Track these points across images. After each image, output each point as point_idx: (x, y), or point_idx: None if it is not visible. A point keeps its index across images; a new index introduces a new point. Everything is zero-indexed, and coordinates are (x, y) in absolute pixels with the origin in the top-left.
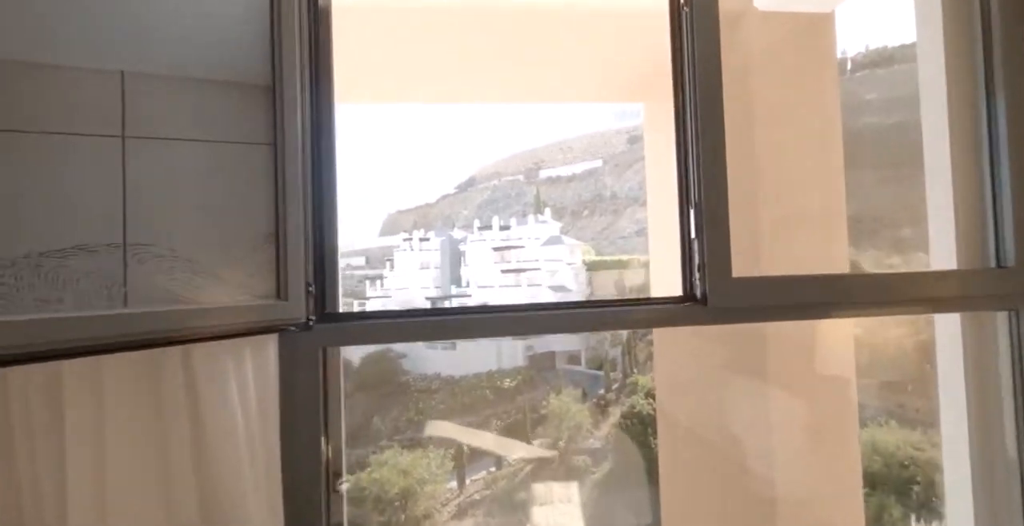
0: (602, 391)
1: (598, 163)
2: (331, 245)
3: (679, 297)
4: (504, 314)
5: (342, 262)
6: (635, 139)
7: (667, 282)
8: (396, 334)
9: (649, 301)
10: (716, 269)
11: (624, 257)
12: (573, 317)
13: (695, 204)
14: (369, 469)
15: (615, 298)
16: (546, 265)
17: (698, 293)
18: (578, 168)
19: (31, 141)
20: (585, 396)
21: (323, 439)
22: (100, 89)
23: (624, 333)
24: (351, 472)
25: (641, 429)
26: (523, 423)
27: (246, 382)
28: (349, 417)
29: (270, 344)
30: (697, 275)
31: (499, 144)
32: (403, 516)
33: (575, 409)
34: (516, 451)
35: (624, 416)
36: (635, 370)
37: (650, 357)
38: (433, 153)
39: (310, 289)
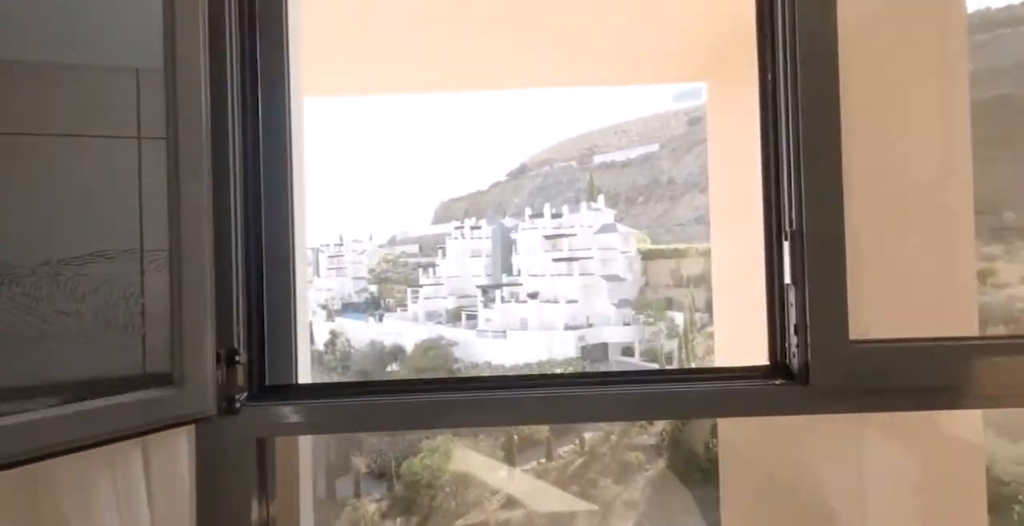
0: None
1: (655, 147)
2: (281, 286)
3: (765, 368)
4: (520, 393)
5: (396, 250)
6: (695, 121)
7: (730, 274)
8: (363, 419)
9: (721, 373)
10: (824, 330)
11: (682, 246)
12: (606, 400)
13: (790, 233)
14: (421, 455)
15: (673, 369)
16: (599, 253)
17: (794, 365)
18: (633, 153)
19: (47, 143)
20: None
21: None
22: (115, 88)
23: (681, 323)
24: (403, 456)
25: (698, 427)
26: None
27: (135, 495)
28: None
29: (177, 439)
30: (793, 339)
31: (551, 130)
32: (454, 503)
33: None
34: (549, 501)
35: None
36: (693, 364)
37: (710, 351)
38: (485, 140)
39: (236, 360)
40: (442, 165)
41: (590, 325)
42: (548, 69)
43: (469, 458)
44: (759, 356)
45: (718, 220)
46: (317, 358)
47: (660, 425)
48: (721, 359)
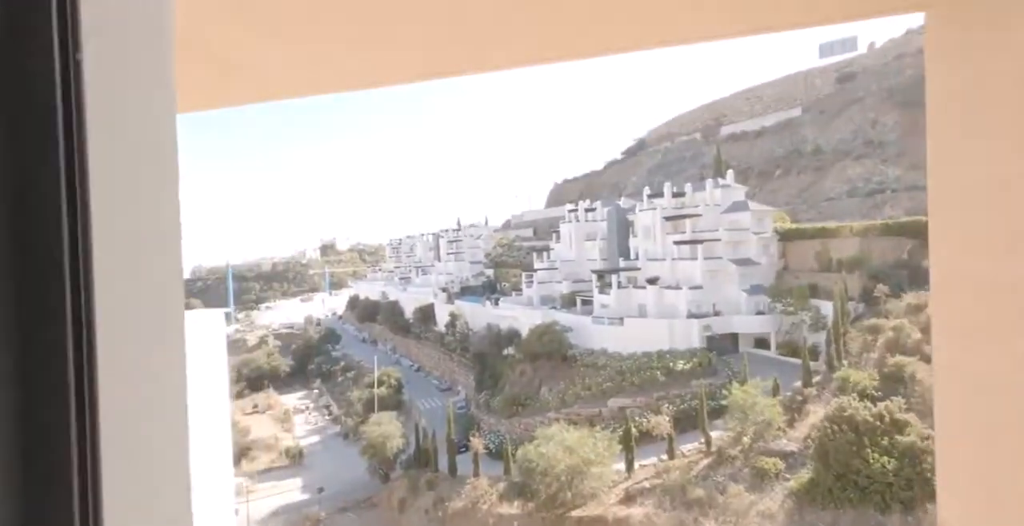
0: (798, 384)
1: (795, 112)
2: None
3: None
4: None
5: (511, 234)
6: (847, 77)
7: (959, 259)
8: None
9: None
10: None
11: (831, 224)
12: None
13: None
14: (536, 442)
15: None
16: (728, 235)
17: None
18: (768, 120)
19: None
20: (777, 388)
21: None
22: None
23: (829, 314)
24: (519, 443)
25: (854, 438)
26: (699, 411)
27: None
28: (517, 384)
29: None
30: None
31: (671, 100)
32: (569, 494)
33: (763, 403)
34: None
35: (830, 419)
36: (845, 362)
37: (867, 347)
38: (598, 117)
39: None
40: (556, 145)
41: (717, 313)
42: (666, 24)
43: (584, 449)
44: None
45: (942, 190)
46: (439, 339)
47: (803, 430)
48: (942, 362)
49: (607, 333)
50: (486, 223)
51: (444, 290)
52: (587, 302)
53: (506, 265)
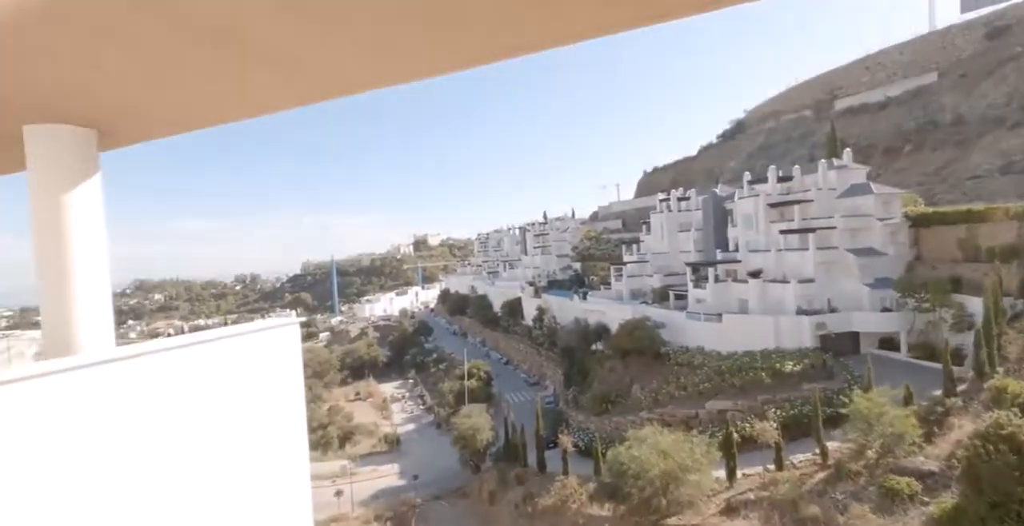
0: (938, 392)
1: (930, 78)
2: None
3: None
4: None
5: (599, 226)
6: (998, 32)
7: None
8: None
9: None
10: None
11: (978, 206)
12: None
13: None
14: (627, 443)
15: None
16: (845, 222)
17: None
18: (894, 89)
19: None
20: (910, 397)
21: None
22: None
23: (977, 312)
24: (609, 442)
25: (1015, 461)
26: (812, 418)
27: None
28: (607, 381)
29: None
30: None
31: (775, 75)
32: (664, 500)
33: (893, 413)
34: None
35: (982, 437)
36: (1000, 369)
37: None
38: (690, 97)
39: None
40: (645, 130)
41: (833, 310)
42: None
43: (680, 454)
44: None
45: None
46: (526, 333)
47: (945, 446)
48: None
49: (703, 330)
50: (573, 215)
51: (531, 284)
52: (681, 297)
53: (593, 258)
